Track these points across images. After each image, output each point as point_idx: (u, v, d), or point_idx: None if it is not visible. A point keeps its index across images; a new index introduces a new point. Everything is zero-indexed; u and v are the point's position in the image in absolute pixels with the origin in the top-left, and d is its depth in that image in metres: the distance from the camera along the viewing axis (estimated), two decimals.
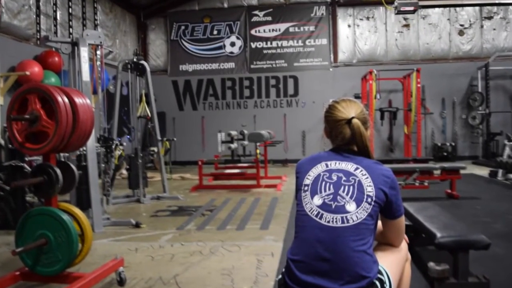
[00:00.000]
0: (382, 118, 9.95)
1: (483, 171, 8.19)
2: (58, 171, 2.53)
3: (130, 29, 11.50)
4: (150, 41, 12.14)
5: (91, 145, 4.35)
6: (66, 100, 2.52)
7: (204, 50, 11.80)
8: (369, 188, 1.54)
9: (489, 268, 2.79)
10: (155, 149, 6.51)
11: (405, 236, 1.76)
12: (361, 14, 11.36)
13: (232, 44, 11.70)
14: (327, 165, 1.62)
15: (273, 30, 11.55)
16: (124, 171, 8.25)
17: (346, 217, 1.50)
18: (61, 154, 4.43)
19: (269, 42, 11.59)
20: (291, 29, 11.49)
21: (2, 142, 5.49)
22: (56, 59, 7.15)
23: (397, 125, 10.49)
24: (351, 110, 1.65)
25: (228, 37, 11.71)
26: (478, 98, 10.48)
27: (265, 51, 11.60)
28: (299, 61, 11.50)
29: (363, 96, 9.59)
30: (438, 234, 2.48)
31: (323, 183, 1.58)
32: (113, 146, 5.02)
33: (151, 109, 6.22)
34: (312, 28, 11.42)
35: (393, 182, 1.58)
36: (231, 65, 11.75)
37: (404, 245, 1.75)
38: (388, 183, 1.57)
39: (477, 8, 10.88)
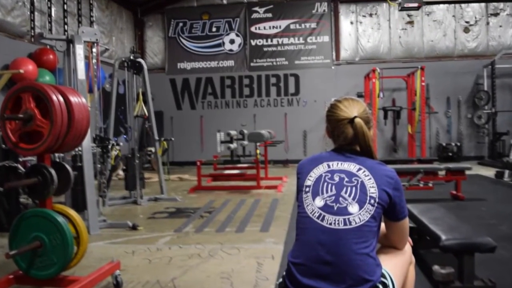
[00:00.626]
0: (385, 117, 9.95)
1: (489, 172, 8.20)
2: (53, 171, 2.53)
3: (126, 26, 11.50)
4: (147, 38, 12.14)
5: (87, 145, 4.35)
6: (61, 99, 2.52)
7: (202, 48, 11.80)
8: (372, 189, 1.54)
9: (495, 271, 2.78)
10: (153, 149, 6.51)
11: (409, 239, 1.76)
12: (364, 11, 11.37)
13: (232, 42, 11.71)
14: (329, 166, 1.62)
15: (273, 27, 11.56)
16: (120, 172, 8.25)
17: (348, 219, 1.50)
18: (56, 155, 4.44)
19: (269, 40, 11.59)
20: (292, 26, 11.49)
21: None
22: (51, 56, 7.14)
23: (401, 125, 10.49)
24: (353, 109, 1.65)
25: (228, 34, 11.71)
26: (484, 97, 10.48)
27: (265, 49, 11.60)
28: (300, 59, 11.50)
29: (366, 95, 9.59)
30: (443, 237, 2.48)
31: (325, 184, 1.58)
32: (110, 146, 5.02)
33: (148, 108, 6.22)
34: (313, 25, 11.42)
35: (396, 183, 1.58)
36: (230, 63, 11.75)
37: (408, 248, 1.75)
38: (392, 184, 1.57)
39: (483, 4, 10.87)
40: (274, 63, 11.59)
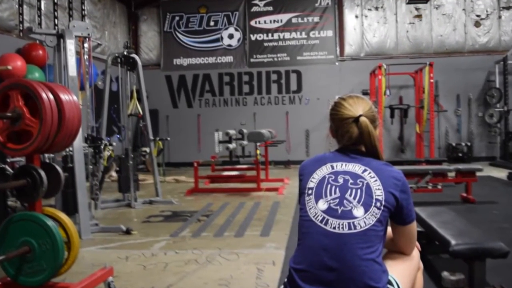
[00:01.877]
0: (392, 116, 9.95)
1: (501, 173, 8.20)
2: (42, 173, 2.53)
3: (120, 20, 11.51)
4: (142, 33, 12.14)
5: (78, 145, 4.35)
6: (51, 96, 2.52)
7: (200, 43, 11.81)
8: (378, 192, 1.54)
9: (507, 278, 2.79)
10: (147, 149, 6.52)
11: (417, 244, 1.76)
12: (369, 4, 11.37)
13: (230, 36, 11.71)
14: (332, 167, 1.62)
15: (274, 21, 11.56)
16: (113, 173, 8.26)
17: (353, 223, 1.50)
18: (46, 155, 4.44)
19: (270, 34, 11.59)
20: (293, 20, 11.50)
21: None
22: (40, 52, 7.15)
23: (408, 124, 10.49)
24: (358, 108, 1.65)
25: (226, 28, 11.71)
26: (496, 95, 10.48)
27: (265, 44, 11.61)
28: (302, 55, 11.50)
29: (371, 92, 9.60)
30: (453, 241, 2.48)
31: (329, 186, 1.58)
32: (102, 146, 5.02)
33: (142, 106, 6.22)
34: (316, 19, 11.43)
35: (404, 185, 1.58)
36: (229, 58, 11.76)
37: (416, 253, 1.75)
38: (399, 186, 1.57)
39: None
40: (275, 59, 11.60)
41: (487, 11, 11.02)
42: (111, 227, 4.64)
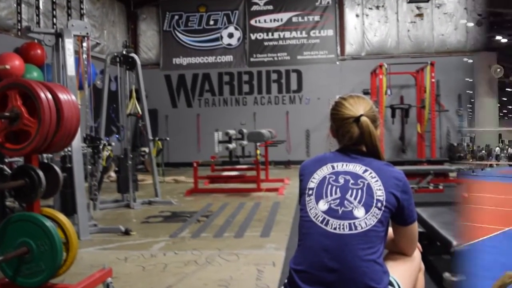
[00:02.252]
0: (393, 115, 9.96)
1: None
2: (40, 173, 2.53)
3: (119, 19, 11.51)
4: (141, 32, 12.14)
5: (77, 145, 4.35)
6: (49, 96, 2.52)
7: (199, 42, 11.81)
8: (379, 192, 1.54)
9: None
10: (146, 149, 6.52)
11: (418, 244, 1.76)
12: (370, 3, 11.37)
13: (230, 36, 11.71)
14: (333, 167, 1.62)
15: (274, 20, 11.57)
16: (112, 174, 8.26)
17: (354, 223, 1.50)
18: (44, 155, 4.44)
19: (270, 33, 11.60)
20: (294, 19, 11.50)
21: None
22: (39, 51, 7.15)
23: (410, 124, 10.50)
24: (359, 107, 1.65)
25: (226, 27, 11.72)
26: None
27: (266, 43, 11.61)
28: (302, 54, 11.51)
29: (372, 92, 9.60)
30: (454, 242, 2.48)
31: (329, 186, 1.58)
32: (101, 146, 5.02)
33: (142, 106, 6.22)
34: (317, 18, 11.43)
35: (405, 186, 1.58)
36: (229, 58, 11.76)
37: (417, 254, 1.75)
38: (400, 186, 1.57)
39: None
40: (275, 58, 11.60)
41: None
42: (110, 228, 4.64)
